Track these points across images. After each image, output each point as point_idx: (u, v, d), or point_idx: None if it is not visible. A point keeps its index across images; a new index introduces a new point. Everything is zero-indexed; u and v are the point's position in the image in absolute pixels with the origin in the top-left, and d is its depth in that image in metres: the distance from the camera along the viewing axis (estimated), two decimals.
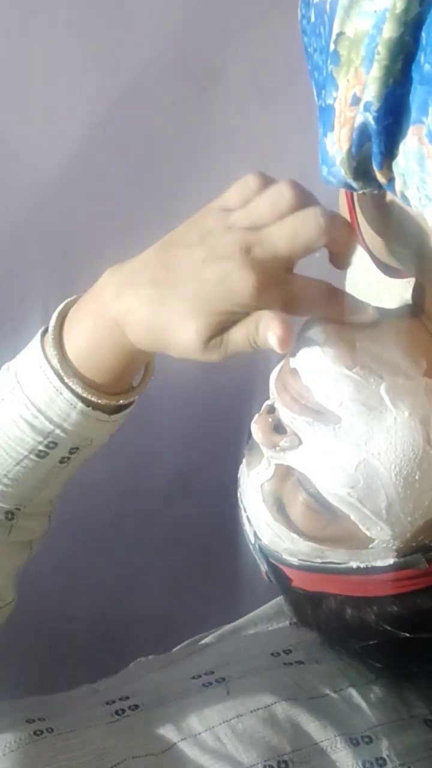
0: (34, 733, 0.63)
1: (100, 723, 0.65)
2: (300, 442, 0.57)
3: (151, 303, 0.52)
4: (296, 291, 0.52)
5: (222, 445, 0.70)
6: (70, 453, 0.60)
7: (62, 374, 0.56)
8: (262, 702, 0.66)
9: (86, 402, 0.57)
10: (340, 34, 0.46)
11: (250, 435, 0.62)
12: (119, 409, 0.60)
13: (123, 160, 0.83)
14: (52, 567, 0.79)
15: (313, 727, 0.65)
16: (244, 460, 0.65)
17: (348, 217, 0.65)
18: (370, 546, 0.58)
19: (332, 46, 0.47)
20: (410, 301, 0.66)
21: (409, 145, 0.44)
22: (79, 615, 0.97)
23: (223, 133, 0.83)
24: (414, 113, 0.43)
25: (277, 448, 0.58)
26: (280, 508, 0.60)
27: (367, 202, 0.59)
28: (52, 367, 0.56)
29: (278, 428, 0.59)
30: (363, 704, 0.68)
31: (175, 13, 0.78)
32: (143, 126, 0.81)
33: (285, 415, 0.57)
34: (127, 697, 0.68)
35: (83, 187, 0.85)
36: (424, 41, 0.42)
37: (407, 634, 0.60)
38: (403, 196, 0.48)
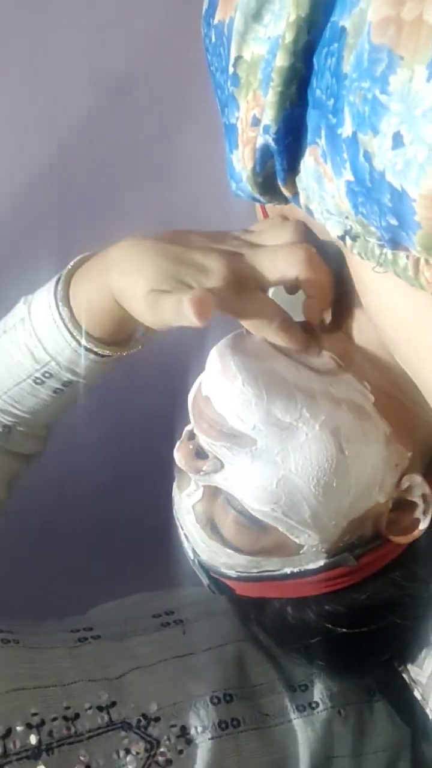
0: (2, 640, 0.67)
1: (62, 646, 0.69)
2: (222, 465, 0.59)
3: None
4: (253, 306, 0.57)
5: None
6: (63, 386, 0.67)
7: (63, 316, 0.63)
8: (213, 642, 0.70)
9: (80, 343, 0.64)
10: (239, 57, 0.48)
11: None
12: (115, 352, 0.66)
13: (39, 172, 0.83)
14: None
15: (257, 669, 0.70)
16: (175, 482, 0.67)
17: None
18: (301, 552, 0.60)
19: (231, 69, 0.49)
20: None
21: (307, 164, 0.46)
22: None
23: (139, 144, 0.84)
24: (309, 135, 0.45)
25: (202, 473, 0.60)
26: (213, 527, 0.62)
27: (282, 207, 0.61)
28: (58, 309, 0.64)
29: (200, 453, 0.61)
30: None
31: (89, 24, 0.78)
32: (60, 137, 0.82)
33: (204, 440, 0.59)
34: (91, 629, 0.72)
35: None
36: (315, 66, 0.44)
37: (345, 630, 0.63)
38: (308, 209, 0.50)
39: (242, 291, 0.56)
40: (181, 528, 0.66)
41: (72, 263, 0.66)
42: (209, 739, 0.64)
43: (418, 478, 0.59)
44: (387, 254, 0.45)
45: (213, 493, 0.62)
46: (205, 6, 0.52)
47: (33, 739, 0.60)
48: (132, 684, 0.66)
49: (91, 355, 0.64)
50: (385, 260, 0.46)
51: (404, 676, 0.70)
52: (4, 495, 0.73)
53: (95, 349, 0.64)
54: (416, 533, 0.60)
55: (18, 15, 0.76)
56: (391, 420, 0.58)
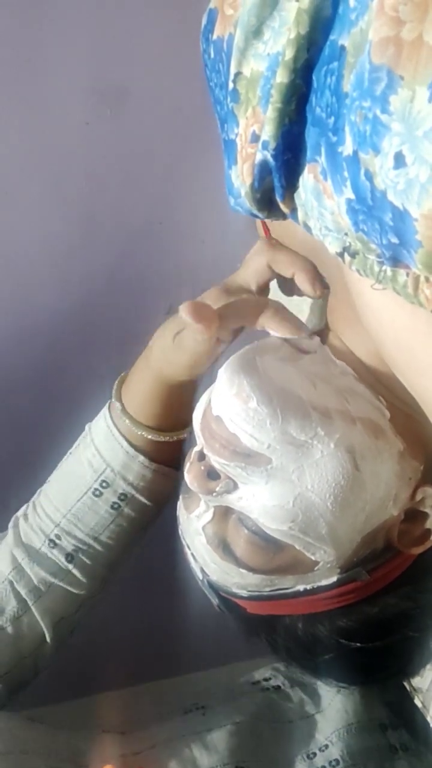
0: (28, 718, 0.69)
1: (83, 728, 0.70)
2: (235, 486, 0.59)
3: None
4: (242, 302, 0.64)
5: None
6: (120, 499, 0.71)
7: (114, 416, 0.71)
8: (232, 719, 0.69)
9: (131, 443, 0.70)
10: (238, 73, 0.48)
11: (183, 479, 0.63)
12: (163, 461, 0.71)
13: (38, 180, 0.83)
14: None
15: (275, 746, 0.68)
16: (180, 502, 0.66)
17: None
18: (316, 569, 0.60)
19: (231, 85, 0.48)
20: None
21: (306, 181, 0.46)
22: None
23: (138, 159, 0.84)
24: (308, 152, 0.45)
25: (214, 494, 0.60)
26: (225, 548, 0.61)
27: (281, 223, 0.61)
28: (110, 413, 0.71)
29: (211, 474, 0.60)
30: (325, 720, 0.70)
31: (86, 34, 0.78)
32: (58, 147, 0.82)
33: (216, 461, 0.59)
34: (116, 727, 0.71)
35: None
36: (315, 84, 0.44)
37: (357, 644, 0.63)
38: (306, 225, 0.50)
39: (233, 295, 0.64)
40: (188, 548, 0.65)
41: (123, 373, 0.73)
42: None
43: (430, 490, 0.60)
44: (386, 271, 0.45)
45: (224, 513, 0.61)
46: (204, 22, 0.52)
47: None
48: (147, 759, 0.65)
49: (140, 457, 0.70)
50: (385, 277, 0.46)
51: (405, 684, 0.70)
52: (51, 636, 0.72)
53: (147, 435, 0.69)
54: (428, 543, 0.61)
55: (17, 25, 0.76)
56: (404, 435, 0.58)
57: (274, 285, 0.68)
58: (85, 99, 0.80)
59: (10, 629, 0.71)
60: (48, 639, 0.72)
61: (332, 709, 0.71)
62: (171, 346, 0.64)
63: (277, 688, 0.74)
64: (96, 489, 0.70)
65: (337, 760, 0.67)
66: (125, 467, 0.70)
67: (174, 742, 0.67)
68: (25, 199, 0.83)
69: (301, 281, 0.63)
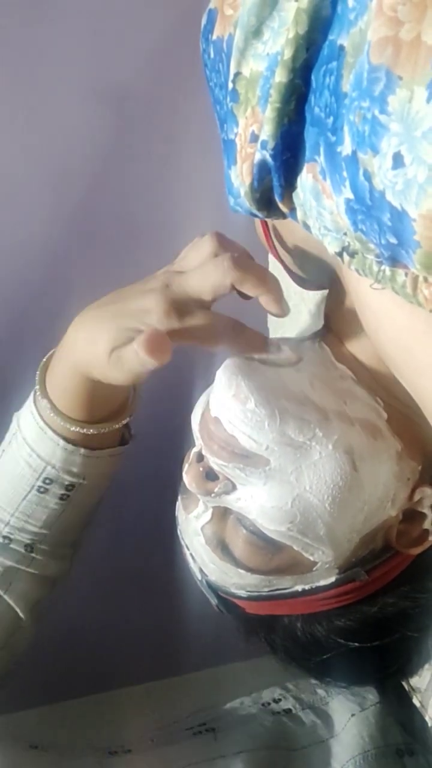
0: (30, 746, 0.68)
1: (92, 756, 0.68)
2: (234, 487, 0.59)
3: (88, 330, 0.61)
4: (200, 323, 0.58)
5: None
6: (67, 490, 0.67)
7: (43, 414, 0.65)
8: (245, 746, 0.68)
9: (68, 440, 0.65)
10: (237, 73, 0.48)
11: (181, 480, 0.63)
12: (104, 445, 0.67)
13: (38, 180, 0.83)
14: None
15: None
16: (179, 503, 0.66)
17: (262, 231, 0.68)
18: (314, 569, 0.60)
19: (231, 85, 0.49)
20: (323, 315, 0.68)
21: (305, 180, 0.46)
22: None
23: (136, 153, 0.84)
24: (307, 152, 0.45)
25: (213, 495, 0.60)
26: (224, 549, 0.61)
27: (280, 222, 0.61)
28: (39, 411, 0.66)
29: (210, 475, 0.60)
30: (340, 746, 0.69)
31: (86, 34, 0.79)
32: (60, 148, 0.82)
33: (215, 462, 0.59)
34: (122, 746, 0.71)
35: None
36: (314, 84, 0.44)
37: (356, 644, 0.63)
38: (305, 225, 0.50)
39: (185, 315, 0.57)
40: (187, 548, 0.65)
41: (41, 363, 0.67)
42: None
43: (429, 491, 0.60)
44: (385, 271, 0.45)
45: (222, 513, 0.61)
46: (203, 22, 0.52)
47: None
48: None
49: (82, 450, 0.65)
50: (383, 277, 0.46)
51: (403, 683, 0.70)
52: (28, 622, 0.71)
53: (83, 431, 0.64)
54: (426, 543, 0.61)
55: (17, 26, 0.77)
56: (402, 436, 0.58)
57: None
58: (85, 99, 0.81)
59: None
60: (25, 621, 0.70)
61: (347, 734, 0.70)
62: (105, 360, 0.58)
63: (288, 711, 0.73)
64: (40, 486, 0.67)
65: None
66: (67, 461, 0.66)
67: None
68: (25, 200, 0.83)
69: (267, 303, 0.58)
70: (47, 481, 0.66)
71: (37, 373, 0.66)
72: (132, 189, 0.86)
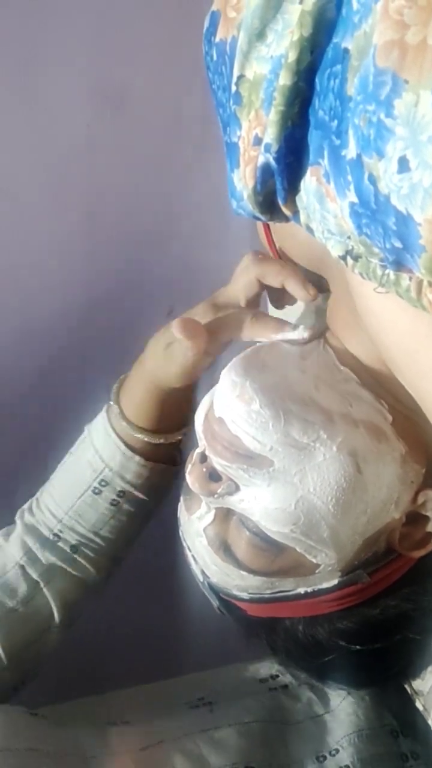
0: (30, 713, 0.69)
1: (90, 725, 0.70)
2: (237, 488, 0.59)
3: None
4: (228, 315, 0.66)
5: None
6: (118, 496, 0.74)
7: (112, 419, 0.73)
8: (240, 719, 0.69)
9: (128, 446, 0.72)
10: (241, 76, 0.48)
11: (184, 480, 0.63)
12: (157, 459, 0.73)
13: (39, 182, 0.83)
14: None
15: (284, 748, 0.68)
16: (181, 504, 0.66)
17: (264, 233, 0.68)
18: (317, 571, 0.60)
19: (234, 88, 0.48)
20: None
21: (308, 183, 0.46)
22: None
23: (138, 156, 0.84)
24: (311, 155, 0.45)
25: (216, 495, 0.60)
26: (226, 550, 0.61)
27: (283, 225, 0.61)
28: (109, 416, 0.73)
29: (213, 476, 0.60)
30: (335, 722, 0.70)
31: (87, 35, 0.78)
32: (59, 149, 0.82)
33: (218, 462, 0.59)
34: (121, 717, 0.73)
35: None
36: (318, 87, 0.43)
37: (358, 646, 0.62)
38: (308, 228, 0.50)
39: (220, 311, 0.66)
40: (189, 550, 0.65)
41: (121, 377, 0.75)
42: None
43: None
44: (389, 275, 0.45)
45: (225, 515, 0.61)
46: (206, 24, 0.52)
47: None
48: (153, 756, 0.65)
49: (137, 458, 0.72)
50: (388, 281, 0.45)
51: (406, 687, 0.70)
52: (60, 622, 0.75)
53: (143, 437, 0.72)
54: (429, 546, 0.61)
55: (18, 27, 0.76)
56: (406, 439, 0.58)
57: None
58: (86, 101, 0.80)
59: (21, 610, 0.73)
60: (57, 621, 0.74)
61: (342, 711, 0.70)
62: (162, 356, 0.67)
63: (285, 687, 0.74)
64: (95, 487, 0.73)
65: (347, 766, 0.67)
66: (123, 467, 0.72)
67: (181, 738, 0.67)
68: (26, 202, 0.83)
69: (292, 287, 0.64)
70: (103, 483, 0.73)
71: (115, 384, 0.74)
72: (132, 191, 0.86)
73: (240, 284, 0.67)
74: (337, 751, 0.68)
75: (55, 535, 0.75)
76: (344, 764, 0.67)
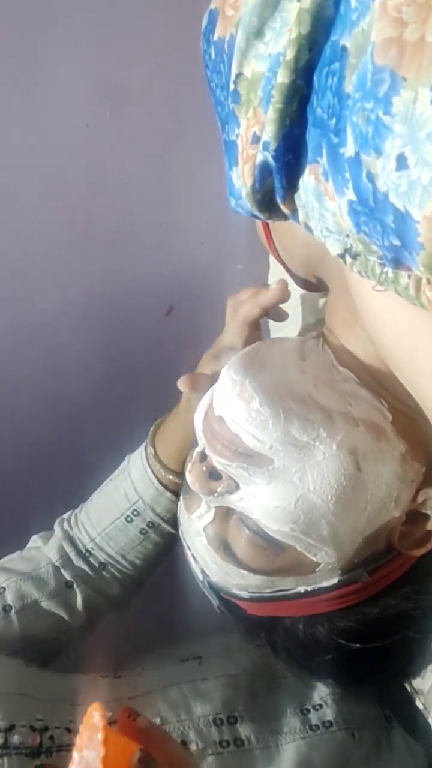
0: (25, 663, 0.73)
1: (82, 676, 0.75)
2: (237, 486, 0.59)
3: None
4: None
5: None
6: (148, 526, 0.80)
7: (149, 457, 0.79)
8: (227, 671, 0.72)
9: (161, 482, 0.78)
10: (239, 74, 0.47)
11: (184, 479, 0.63)
12: None
13: (38, 182, 0.83)
14: None
15: (269, 699, 0.71)
16: (181, 503, 0.66)
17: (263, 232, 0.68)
18: (317, 570, 0.60)
19: (232, 86, 0.48)
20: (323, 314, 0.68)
21: (307, 182, 0.46)
22: None
23: (137, 155, 0.84)
24: (310, 153, 0.45)
25: (216, 494, 0.60)
26: (226, 549, 0.61)
27: (282, 224, 0.61)
28: (146, 455, 0.79)
29: (213, 474, 0.60)
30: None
31: (87, 35, 0.78)
32: (58, 148, 0.82)
33: (218, 461, 0.59)
34: (114, 672, 0.78)
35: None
36: (316, 85, 0.43)
37: (357, 645, 0.62)
38: (307, 226, 0.50)
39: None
40: (189, 549, 0.65)
41: (157, 421, 0.81)
42: (210, 755, 0.64)
43: None
44: (388, 273, 0.45)
45: (225, 513, 0.61)
46: (204, 22, 0.52)
47: (34, 740, 0.62)
48: (140, 705, 0.66)
49: (168, 494, 0.77)
50: (386, 279, 0.45)
51: (406, 686, 0.69)
52: (80, 620, 0.80)
53: (172, 478, 0.77)
54: (429, 545, 0.61)
55: (18, 27, 0.76)
56: (406, 437, 0.58)
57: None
58: (85, 100, 0.81)
59: (45, 602, 0.78)
60: (78, 623, 0.79)
61: None
62: (185, 403, 0.73)
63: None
64: (128, 516, 0.79)
65: (330, 722, 0.69)
66: (155, 501, 0.79)
67: (168, 688, 0.70)
68: (26, 201, 0.84)
69: (269, 301, 0.70)
70: (135, 513, 0.79)
71: (153, 426, 0.81)
72: (131, 190, 0.86)
73: (230, 331, 0.73)
74: (321, 706, 0.70)
75: (87, 551, 0.81)
76: (327, 719, 0.69)
